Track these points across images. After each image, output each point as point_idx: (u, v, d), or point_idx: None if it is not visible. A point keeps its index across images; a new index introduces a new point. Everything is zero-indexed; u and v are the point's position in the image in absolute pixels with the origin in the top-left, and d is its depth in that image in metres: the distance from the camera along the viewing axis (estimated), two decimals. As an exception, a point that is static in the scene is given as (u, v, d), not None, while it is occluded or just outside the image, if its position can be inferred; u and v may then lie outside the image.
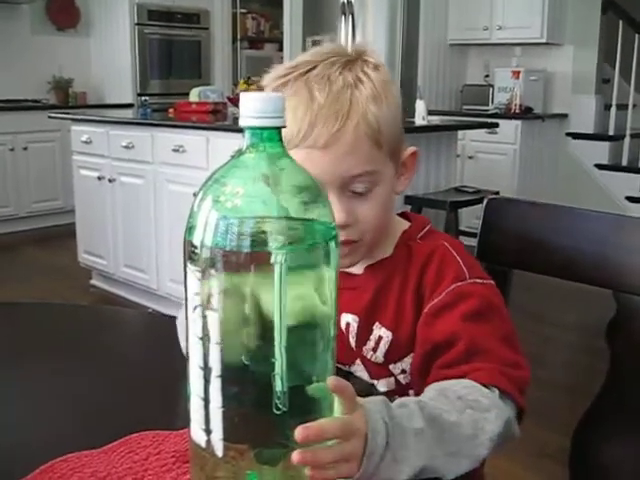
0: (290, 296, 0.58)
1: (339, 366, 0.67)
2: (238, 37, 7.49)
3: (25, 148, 5.82)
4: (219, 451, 0.61)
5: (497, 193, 3.66)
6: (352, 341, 0.96)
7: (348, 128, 0.86)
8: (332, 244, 0.61)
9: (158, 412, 0.86)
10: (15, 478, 0.70)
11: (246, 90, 4.21)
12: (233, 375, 0.60)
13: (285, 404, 0.58)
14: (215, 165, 0.62)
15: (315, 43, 5.52)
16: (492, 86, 5.85)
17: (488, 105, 5.81)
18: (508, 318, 0.90)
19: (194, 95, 4.38)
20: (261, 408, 0.59)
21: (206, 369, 0.60)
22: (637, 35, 5.27)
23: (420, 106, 3.58)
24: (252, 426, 0.61)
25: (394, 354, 0.93)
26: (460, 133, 4.37)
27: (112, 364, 1.05)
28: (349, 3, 5.30)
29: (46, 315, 1.29)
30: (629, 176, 5.33)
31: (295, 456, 0.57)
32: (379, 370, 0.95)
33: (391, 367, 0.94)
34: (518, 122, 5.31)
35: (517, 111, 5.45)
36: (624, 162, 5.43)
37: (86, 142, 4.12)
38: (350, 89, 0.88)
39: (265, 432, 0.61)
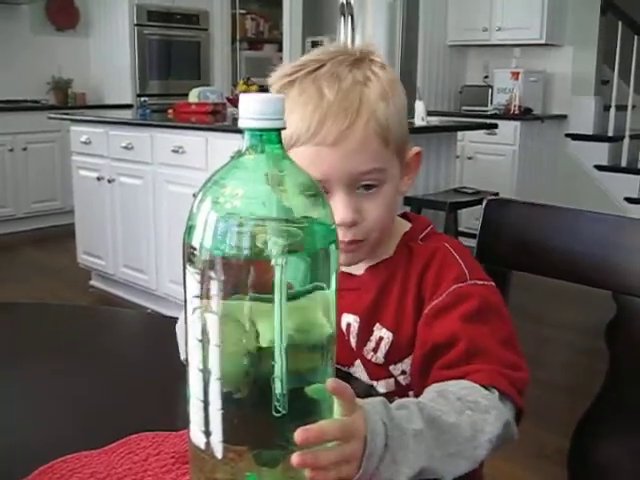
0: (290, 298, 0.58)
1: (338, 367, 0.67)
2: (237, 38, 7.49)
3: (24, 148, 5.82)
4: (218, 453, 0.61)
5: (496, 194, 3.66)
6: (353, 341, 0.96)
7: (358, 125, 0.87)
8: (332, 246, 0.61)
9: (158, 413, 0.86)
10: (15, 479, 0.70)
11: (245, 91, 4.21)
12: (232, 377, 0.59)
13: (284, 406, 0.58)
14: (214, 166, 0.62)
15: (315, 44, 5.53)
16: (491, 87, 5.85)
17: (487, 106, 5.81)
18: (508, 319, 0.90)
19: (193, 96, 4.39)
20: (260, 410, 0.59)
21: (205, 371, 0.60)
22: (636, 36, 5.27)
23: (419, 107, 3.58)
24: (251, 428, 0.61)
25: (394, 355, 0.93)
26: (459, 134, 4.37)
27: (111, 365, 1.05)
28: (348, 4, 5.30)
29: (45, 315, 1.28)
30: (628, 177, 5.34)
31: (295, 458, 0.57)
32: (379, 371, 0.95)
33: (391, 368, 0.94)
34: (517, 123, 5.31)
35: (516, 112, 5.45)
36: (623, 163, 5.44)
37: (85, 143, 4.12)
38: (359, 87, 0.88)
39: (264, 434, 0.61)
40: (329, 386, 0.60)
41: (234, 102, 4.16)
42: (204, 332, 0.59)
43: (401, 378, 0.94)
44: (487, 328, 0.85)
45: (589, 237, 1.09)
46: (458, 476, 0.72)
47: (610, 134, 5.50)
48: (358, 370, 0.96)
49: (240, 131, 0.61)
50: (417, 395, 0.78)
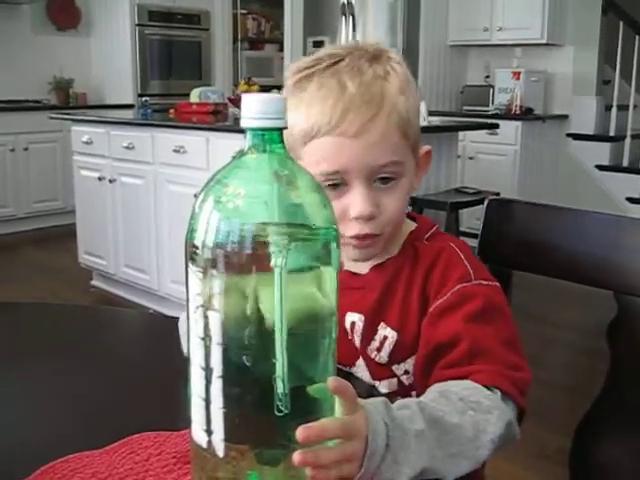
0: (291, 297, 0.58)
1: (340, 367, 0.67)
2: (239, 38, 7.49)
3: (26, 148, 5.82)
4: (220, 451, 0.61)
5: (497, 194, 3.66)
6: (357, 340, 0.96)
7: (380, 118, 0.87)
8: (333, 245, 0.61)
9: (159, 413, 0.86)
10: (16, 479, 0.70)
11: (247, 91, 4.21)
12: (234, 376, 0.60)
13: (286, 405, 0.58)
14: (215, 166, 0.63)
15: (316, 44, 5.53)
16: (492, 87, 5.85)
17: (488, 106, 5.81)
18: (511, 320, 0.90)
19: (194, 96, 4.39)
20: (262, 409, 0.59)
21: (207, 370, 0.60)
22: (637, 36, 5.27)
23: (421, 107, 3.57)
24: (253, 427, 0.61)
25: (398, 354, 0.93)
26: (460, 134, 4.37)
27: (112, 364, 1.05)
28: (349, 4, 5.31)
29: (46, 315, 1.29)
30: (630, 177, 5.33)
31: (296, 457, 0.57)
32: (382, 371, 0.95)
33: (394, 368, 0.94)
34: (518, 123, 5.31)
35: (517, 112, 5.44)
36: (625, 163, 5.43)
37: (87, 143, 4.12)
38: (381, 81, 0.89)
39: (266, 433, 0.61)
40: (330, 385, 0.60)
41: (235, 102, 4.16)
42: (206, 330, 0.59)
43: (404, 378, 0.94)
44: (491, 328, 0.85)
45: (590, 237, 1.09)
46: (460, 476, 0.72)
47: (611, 134, 5.49)
48: (360, 370, 0.96)
49: (241, 131, 0.61)
50: (419, 395, 0.78)
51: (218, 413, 0.60)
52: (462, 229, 4.14)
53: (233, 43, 7.29)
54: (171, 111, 4.35)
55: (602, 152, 5.53)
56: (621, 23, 5.28)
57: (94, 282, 4.36)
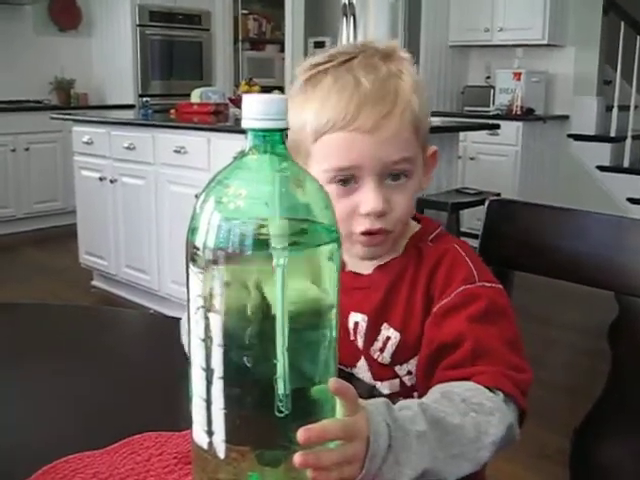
0: (292, 298, 0.58)
1: (341, 368, 0.67)
2: (239, 38, 7.50)
3: (27, 149, 5.83)
4: (221, 453, 0.61)
5: (498, 195, 3.66)
6: (360, 341, 0.96)
7: (395, 114, 0.88)
8: (334, 245, 0.61)
9: (160, 413, 0.86)
10: (17, 479, 0.70)
11: (247, 91, 4.21)
12: (235, 377, 0.60)
13: (287, 406, 0.58)
14: (216, 166, 0.63)
15: (317, 44, 5.53)
16: (493, 87, 5.85)
17: (489, 106, 5.81)
18: (514, 322, 0.90)
19: (195, 96, 4.39)
20: (263, 410, 0.59)
21: (208, 371, 0.60)
22: (638, 36, 5.26)
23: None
24: (254, 428, 0.61)
25: (401, 355, 0.93)
26: (461, 134, 4.37)
27: (113, 365, 1.05)
28: (350, 4, 5.31)
29: (47, 316, 1.29)
30: (631, 177, 5.33)
31: (297, 458, 0.57)
32: (384, 371, 0.95)
33: (397, 368, 0.94)
34: (519, 123, 5.30)
35: (518, 112, 5.44)
36: (626, 163, 5.43)
37: (87, 143, 4.12)
38: (395, 78, 0.90)
39: (267, 434, 0.61)
40: (331, 386, 0.60)
41: (236, 102, 4.16)
42: (207, 331, 0.59)
43: (406, 379, 0.94)
44: (494, 330, 0.85)
45: (592, 238, 1.09)
46: (461, 478, 0.72)
47: (612, 134, 5.49)
48: (361, 370, 0.96)
49: (242, 131, 0.61)
50: (421, 396, 0.78)
51: (219, 414, 0.60)
52: (463, 230, 4.14)
53: (234, 43, 7.30)
54: (172, 111, 4.35)
55: (603, 153, 5.53)
56: (622, 23, 5.27)
57: (95, 282, 4.36)
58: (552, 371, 3.11)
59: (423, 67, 5.65)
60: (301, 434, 0.57)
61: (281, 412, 0.58)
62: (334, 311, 0.62)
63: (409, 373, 0.94)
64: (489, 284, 0.91)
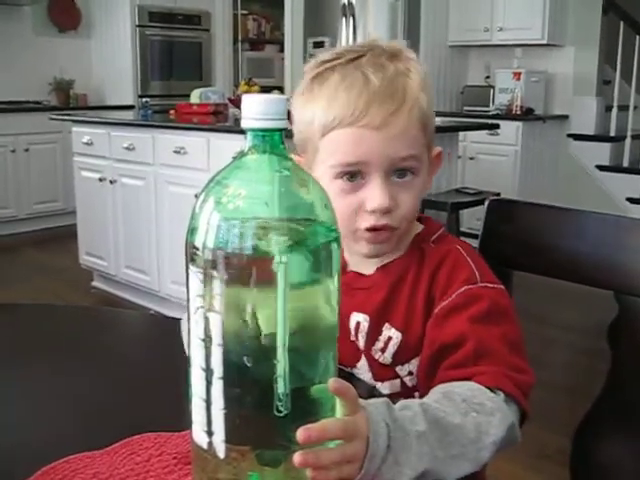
0: (292, 298, 0.58)
1: (341, 368, 0.67)
2: (239, 38, 7.49)
3: (26, 149, 5.83)
4: (221, 452, 0.61)
5: (498, 194, 3.66)
6: (361, 341, 0.96)
7: (403, 111, 0.88)
8: (334, 246, 0.61)
9: (160, 413, 0.86)
10: (16, 479, 0.70)
11: (247, 91, 4.21)
12: (235, 377, 0.60)
13: (287, 406, 0.58)
14: (216, 167, 0.63)
15: (316, 44, 5.53)
16: (493, 87, 5.85)
17: (489, 106, 5.81)
18: (516, 323, 0.90)
19: (195, 96, 4.39)
20: (263, 410, 0.59)
21: (208, 371, 0.60)
22: (638, 36, 5.26)
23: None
24: (254, 428, 0.61)
25: (402, 355, 0.93)
26: (461, 134, 4.37)
27: (113, 365, 1.05)
28: (350, 5, 5.31)
29: (47, 316, 1.29)
30: (630, 177, 5.33)
31: (297, 458, 0.57)
32: (385, 371, 0.95)
33: (398, 369, 0.94)
34: (519, 123, 5.31)
35: (518, 112, 5.44)
36: (625, 163, 5.43)
37: (87, 144, 4.12)
38: (403, 77, 0.90)
39: (267, 434, 0.61)
40: (331, 386, 0.60)
41: (236, 103, 4.16)
42: (207, 331, 0.59)
43: (407, 379, 0.94)
44: (496, 330, 0.85)
45: (591, 237, 1.09)
46: (461, 478, 0.72)
47: (612, 134, 5.49)
48: (362, 370, 0.96)
49: (242, 132, 0.61)
50: (423, 396, 0.78)
51: (219, 414, 0.60)
52: (462, 229, 4.14)
53: (233, 44, 7.30)
54: (171, 112, 4.34)
55: (602, 152, 5.53)
56: (621, 23, 5.27)
57: (95, 283, 4.36)
58: (551, 371, 3.11)
59: (423, 67, 5.63)
60: (301, 433, 0.57)
61: (281, 412, 0.58)
62: (335, 310, 0.62)
63: (410, 373, 0.94)
64: (491, 285, 0.91)
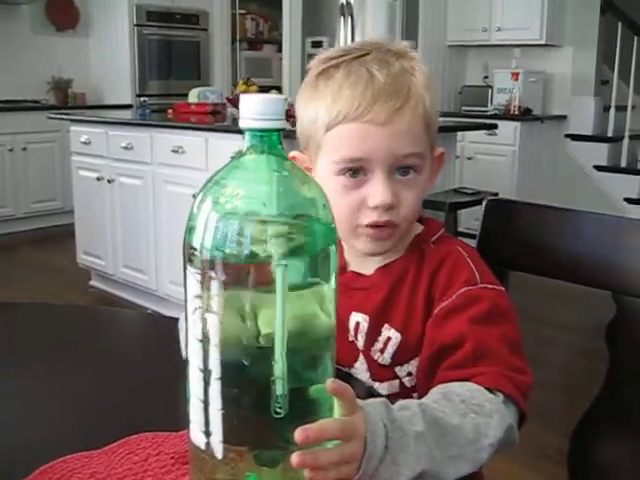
0: (290, 298, 0.58)
1: (339, 368, 0.67)
2: (237, 38, 7.49)
3: (24, 148, 5.82)
4: (218, 453, 0.61)
5: (496, 194, 3.66)
6: (360, 341, 0.96)
7: (408, 107, 0.88)
8: (332, 246, 0.61)
9: (157, 413, 0.86)
10: (15, 478, 0.70)
11: (245, 91, 4.21)
12: (233, 377, 0.60)
13: (285, 407, 0.58)
14: (214, 166, 0.63)
15: (314, 44, 5.53)
16: (491, 87, 5.85)
17: (487, 106, 5.81)
18: (516, 325, 0.89)
19: (193, 96, 4.39)
20: (261, 410, 0.59)
21: (206, 371, 0.60)
22: (636, 37, 5.27)
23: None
24: (251, 428, 0.61)
25: (401, 356, 0.93)
26: (459, 134, 4.37)
27: (111, 364, 1.05)
28: (348, 4, 5.31)
29: (44, 316, 1.28)
30: (628, 177, 5.34)
31: (295, 458, 0.57)
32: (384, 372, 0.95)
33: (397, 369, 0.94)
34: (517, 123, 5.31)
35: (516, 112, 5.45)
36: (623, 163, 5.44)
37: (85, 143, 4.12)
38: (408, 75, 0.91)
39: (264, 434, 0.61)
40: (328, 387, 0.60)
41: (234, 102, 4.16)
42: (204, 332, 0.59)
43: (406, 380, 0.94)
44: (495, 331, 0.85)
45: (589, 237, 1.09)
46: (459, 478, 0.72)
47: (610, 134, 5.50)
48: (359, 370, 0.96)
49: (240, 131, 0.61)
50: (421, 397, 0.78)
51: (216, 415, 0.60)
52: (460, 229, 4.14)
53: (232, 43, 7.29)
54: (169, 111, 4.34)
55: (600, 153, 5.54)
56: (619, 24, 5.27)
57: (92, 282, 4.36)
58: (549, 371, 3.12)
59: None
60: (299, 434, 0.57)
61: (278, 412, 0.58)
62: (332, 311, 0.62)
63: (409, 374, 0.94)
64: (491, 286, 0.91)
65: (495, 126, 4.36)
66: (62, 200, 5.91)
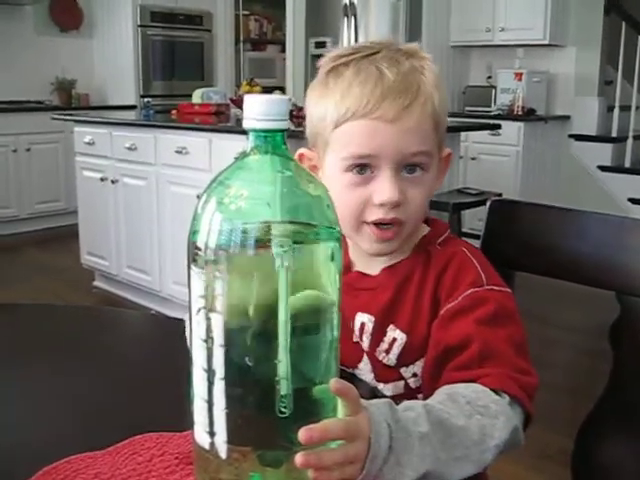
0: (294, 298, 0.58)
1: (343, 368, 0.67)
2: (241, 39, 7.50)
3: (28, 149, 5.83)
4: (223, 453, 0.61)
5: (500, 195, 3.66)
6: (366, 341, 0.96)
7: (416, 105, 0.89)
8: (336, 246, 0.61)
9: (161, 413, 0.86)
10: (17, 479, 0.70)
11: (249, 92, 4.21)
12: (237, 377, 0.60)
13: (289, 407, 0.58)
14: (218, 167, 0.63)
15: (318, 45, 5.53)
16: (495, 87, 5.84)
17: (491, 106, 5.81)
18: (522, 326, 0.89)
19: (197, 97, 4.39)
20: (265, 410, 0.59)
21: (210, 371, 0.60)
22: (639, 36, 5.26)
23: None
24: (255, 428, 0.61)
25: (407, 357, 0.93)
26: (463, 134, 4.37)
27: (114, 365, 1.05)
28: (352, 5, 5.31)
29: (48, 316, 1.29)
30: (632, 178, 5.33)
31: (299, 458, 0.57)
32: (389, 373, 0.95)
33: (402, 370, 0.94)
34: (521, 124, 5.30)
35: (520, 113, 5.44)
36: (627, 164, 5.43)
37: (89, 143, 4.12)
38: (417, 73, 0.91)
39: (268, 434, 0.61)
40: (332, 387, 0.60)
41: (237, 103, 4.16)
42: (208, 332, 0.59)
43: (411, 381, 0.94)
44: (501, 333, 0.85)
45: (593, 238, 1.09)
46: (463, 479, 0.71)
47: (614, 135, 5.48)
48: (363, 371, 0.96)
49: (243, 132, 0.61)
50: (426, 398, 0.78)
51: (221, 415, 0.60)
52: (464, 230, 4.14)
53: (235, 44, 7.30)
54: (173, 112, 4.34)
55: (604, 153, 5.53)
56: (623, 24, 5.27)
57: (96, 283, 4.36)
58: (553, 371, 3.11)
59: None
60: (303, 434, 0.57)
61: (283, 412, 0.58)
62: (335, 311, 0.62)
63: (414, 375, 0.93)
64: (497, 288, 0.90)
65: (499, 126, 4.35)
66: (66, 201, 5.91)
